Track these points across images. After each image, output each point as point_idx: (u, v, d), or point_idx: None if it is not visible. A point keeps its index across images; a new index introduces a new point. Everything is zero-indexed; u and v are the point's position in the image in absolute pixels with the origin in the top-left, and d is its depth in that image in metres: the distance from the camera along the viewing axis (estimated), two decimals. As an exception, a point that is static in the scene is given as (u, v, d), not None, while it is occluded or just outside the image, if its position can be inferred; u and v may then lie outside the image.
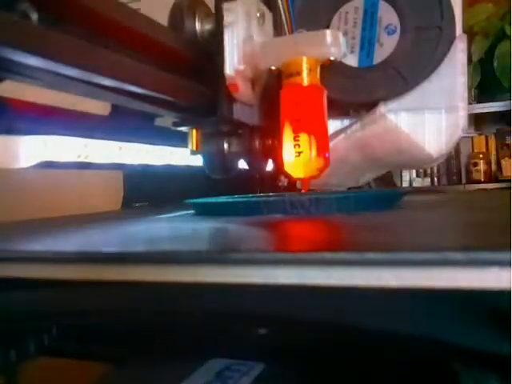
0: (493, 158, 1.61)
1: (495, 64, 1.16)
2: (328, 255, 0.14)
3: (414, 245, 0.16)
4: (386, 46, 0.35)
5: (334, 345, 0.17)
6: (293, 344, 0.17)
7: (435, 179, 1.62)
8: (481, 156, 1.59)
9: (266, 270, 0.15)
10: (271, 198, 0.31)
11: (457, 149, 1.57)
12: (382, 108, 0.36)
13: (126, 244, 0.21)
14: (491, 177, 1.60)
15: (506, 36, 1.13)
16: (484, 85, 1.29)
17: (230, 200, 0.33)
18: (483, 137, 1.62)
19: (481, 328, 0.14)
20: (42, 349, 0.20)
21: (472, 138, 1.61)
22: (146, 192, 0.74)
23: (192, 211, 0.37)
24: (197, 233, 0.25)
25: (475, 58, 1.15)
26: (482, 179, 1.56)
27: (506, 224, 0.20)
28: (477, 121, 1.60)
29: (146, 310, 0.18)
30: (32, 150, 0.34)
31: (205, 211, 0.35)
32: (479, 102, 1.44)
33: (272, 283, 0.15)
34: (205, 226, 0.28)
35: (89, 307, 0.18)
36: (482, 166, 1.59)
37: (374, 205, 0.32)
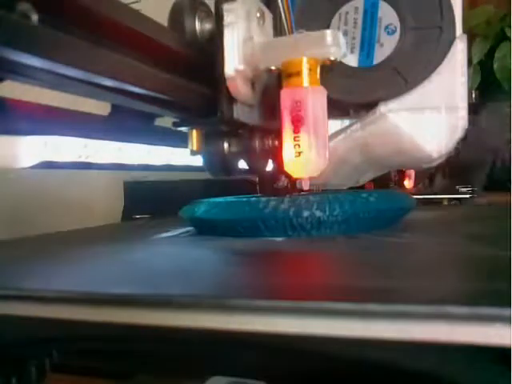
0: None
1: (495, 66, 1.16)
2: (328, 305, 0.14)
3: (414, 294, 0.16)
4: (386, 46, 0.35)
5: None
6: (294, 363, 0.17)
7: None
8: None
9: (266, 317, 0.15)
10: (271, 219, 0.31)
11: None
12: (382, 108, 0.36)
13: (123, 282, 0.21)
14: None
15: (506, 38, 1.13)
16: (484, 86, 1.29)
17: (230, 218, 0.32)
18: None
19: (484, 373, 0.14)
20: (44, 373, 0.20)
21: None
22: (147, 202, 0.73)
23: (192, 227, 0.37)
24: (196, 267, 0.24)
25: (475, 60, 1.15)
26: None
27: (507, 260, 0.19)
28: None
29: (147, 334, 0.18)
30: (32, 150, 0.34)
31: (205, 231, 0.35)
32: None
33: (272, 331, 0.15)
34: (203, 256, 0.28)
35: (90, 332, 0.18)
36: None
37: (376, 226, 0.32)
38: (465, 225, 0.39)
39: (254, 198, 0.33)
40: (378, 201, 0.32)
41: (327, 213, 0.30)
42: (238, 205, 0.33)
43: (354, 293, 0.16)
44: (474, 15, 1.05)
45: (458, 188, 0.82)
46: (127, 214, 0.73)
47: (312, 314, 0.15)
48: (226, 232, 0.33)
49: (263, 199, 0.32)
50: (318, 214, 0.30)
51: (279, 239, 0.31)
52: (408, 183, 1.05)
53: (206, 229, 0.35)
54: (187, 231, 0.37)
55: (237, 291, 0.18)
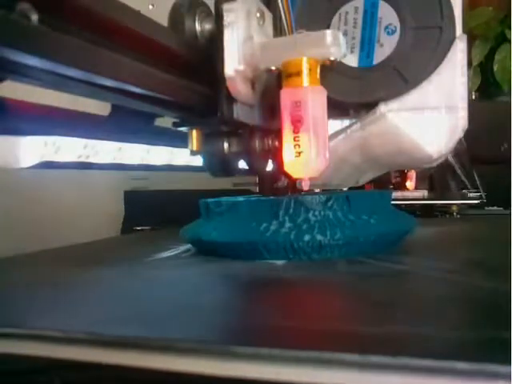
0: None
1: (495, 68, 1.16)
2: (329, 355, 0.14)
3: (415, 343, 0.15)
4: (386, 46, 0.35)
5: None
6: None
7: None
8: None
9: (264, 366, 0.15)
10: (272, 242, 0.31)
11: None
12: (382, 108, 0.36)
13: (122, 319, 0.20)
14: None
15: (506, 40, 1.13)
16: (484, 88, 1.29)
17: (231, 241, 0.32)
18: None
19: None
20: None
21: None
22: (148, 212, 0.72)
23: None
24: (197, 299, 0.23)
25: (475, 62, 1.15)
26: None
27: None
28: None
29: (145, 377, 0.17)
30: (32, 150, 0.34)
31: (205, 251, 0.35)
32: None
33: (272, 379, 0.15)
34: (204, 285, 0.27)
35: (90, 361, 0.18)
36: None
37: (377, 248, 0.32)
38: (467, 247, 0.38)
39: (254, 223, 0.32)
40: (378, 223, 0.32)
41: (328, 237, 0.30)
42: (239, 227, 0.32)
43: (355, 340, 0.16)
44: (474, 16, 1.05)
45: (466, 192, 0.79)
46: (127, 225, 0.72)
47: (312, 364, 0.15)
48: (226, 253, 0.32)
49: (264, 224, 0.31)
50: (319, 237, 0.30)
51: (280, 262, 0.31)
52: (410, 184, 1.04)
53: (206, 249, 0.34)
54: (188, 249, 0.37)
55: (238, 335, 0.18)
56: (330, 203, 0.32)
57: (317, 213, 0.32)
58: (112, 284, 0.29)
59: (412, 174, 1.05)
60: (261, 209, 0.33)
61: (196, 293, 0.25)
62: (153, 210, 0.72)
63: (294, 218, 0.31)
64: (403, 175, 1.07)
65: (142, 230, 0.69)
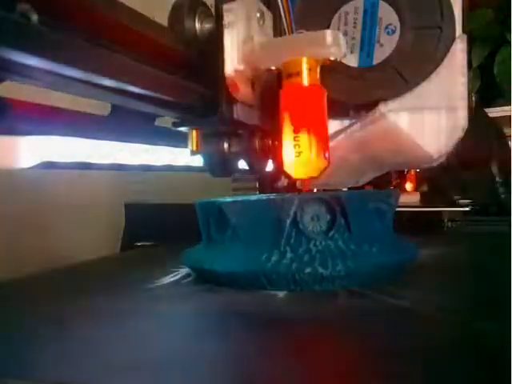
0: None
1: (495, 70, 1.16)
2: None
3: None
4: (386, 46, 0.35)
5: None
6: None
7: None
8: None
9: None
10: (273, 273, 0.31)
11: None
12: (382, 108, 0.36)
13: (118, 369, 0.19)
14: None
15: (506, 42, 1.13)
16: (484, 90, 1.29)
17: (232, 271, 0.32)
18: None
19: None
20: None
21: None
22: (149, 225, 0.71)
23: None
24: (197, 346, 0.23)
25: (475, 64, 1.15)
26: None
27: None
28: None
29: None
30: (32, 150, 0.34)
31: (206, 278, 0.34)
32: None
33: None
34: (204, 325, 0.27)
35: None
36: None
37: (379, 278, 0.31)
38: (469, 277, 0.36)
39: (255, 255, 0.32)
40: (380, 253, 0.32)
41: (329, 269, 0.30)
42: (240, 256, 0.32)
43: None
44: (474, 18, 1.05)
45: (456, 200, 0.76)
46: (128, 239, 0.70)
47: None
48: (227, 282, 0.32)
49: (265, 254, 0.31)
50: (321, 270, 0.30)
51: (281, 294, 0.30)
52: (409, 186, 1.04)
53: (207, 277, 0.34)
54: (188, 274, 0.37)
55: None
56: (331, 233, 0.32)
57: (318, 242, 0.32)
58: (109, 325, 0.27)
59: (412, 176, 1.05)
60: (262, 237, 0.32)
61: (193, 338, 0.24)
62: (154, 224, 0.71)
63: (295, 247, 0.31)
64: (403, 177, 1.07)
65: (142, 245, 0.67)
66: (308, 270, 0.30)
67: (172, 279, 0.36)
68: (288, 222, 0.31)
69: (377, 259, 0.32)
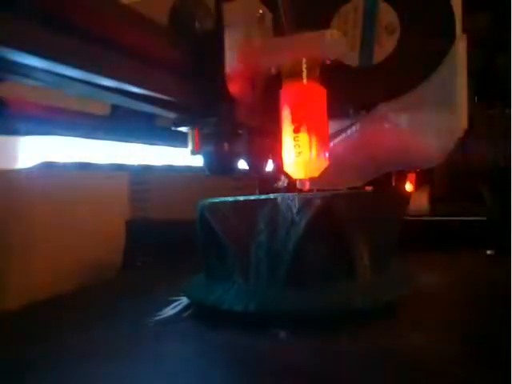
0: None
1: (495, 72, 1.16)
2: None
3: None
4: (386, 46, 0.35)
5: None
6: None
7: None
8: None
9: None
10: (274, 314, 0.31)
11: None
12: (382, 108, 0.36)
13: None
14: None
15: (506, 44, 1.13)
16: (484, 92, 1.29)
17: (233, 310, 0.32)
18: None
19: None
20: None
21: None
22: (151, 242, 0.70)
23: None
24: None
25: (475, 68, 1.15)
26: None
27: None
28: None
29: None
30: (32, 150, 0.34)
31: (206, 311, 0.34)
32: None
33: None
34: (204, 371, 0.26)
35: None
36: None
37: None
38: (469, 314, 0.34)
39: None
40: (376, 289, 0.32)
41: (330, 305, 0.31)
42: (242, 294, 0.32)
43: None
44: (474, 22, 1.05)
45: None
46: (130, 256, 0.69)
47: None
48: (228, 319, 0.32)
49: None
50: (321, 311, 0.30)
51: (282, 333, 0.30)
52: (409, 187, 1.04)
53: (208, 311, 0.34)
54: (189, 305, 0.36)
55: None
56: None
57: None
58: (105, 372, 0.26)
59: (412, 177, 1.05)
60: (263, 273, 0.32)
61: None
62: (155, 240, 0.71)
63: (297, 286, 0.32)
64: (403, 177, 1.06)
65: (144, 263, 0.66)
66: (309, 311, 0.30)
67: (173, 311, 0.36)
68: (288, 257, 0.31)
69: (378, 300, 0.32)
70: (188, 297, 0.37)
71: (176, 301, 0.38)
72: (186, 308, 0.36)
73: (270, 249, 0.32)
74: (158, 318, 0.35)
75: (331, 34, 0.29)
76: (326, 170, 0.31)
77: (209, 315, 0.33)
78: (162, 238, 0.68)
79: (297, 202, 0.32)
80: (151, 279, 0.52)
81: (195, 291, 0.36)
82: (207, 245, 0.36)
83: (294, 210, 0.32)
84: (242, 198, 0.35)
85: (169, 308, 0.36)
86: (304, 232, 0.32)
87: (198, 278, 0.38)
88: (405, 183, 1.02)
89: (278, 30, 0.33)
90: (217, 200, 0.35)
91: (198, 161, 0.35)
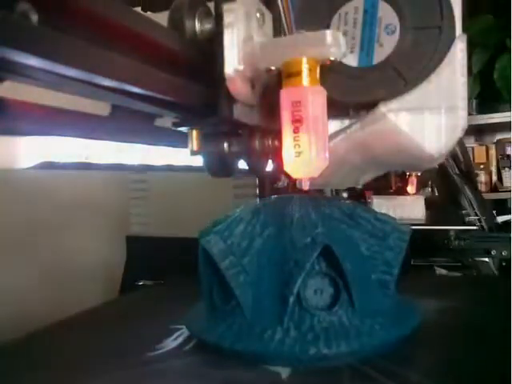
0: (493, 169, 1.61)
1: (495, 76, 1.16)
2: None
3: None
4: (386, 45, 0.35)
5: None
6: None
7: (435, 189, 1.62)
8: (481, 167, 1.59)
9: None
10: (276, 354, 0.30)
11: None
12: (382, 108, 0.36)
13: None
14: (492, 187, 1.59)
15: (506, 48, 1.13)
16: (484, 96, 1.29)
17: (235, 348, 0.31)
18: (484, 147, 1.61)
19: None
20: None
21: (473, 148, 1.60)
22: (151, 259, 0.69)
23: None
24: None
25: (475, 70, 1.15)
26: (483, 190, 1.56)
27: None
28: (477, 131, 1.59)
29: None
30: (32, 150, 0.34)
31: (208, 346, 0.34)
32: (479, 112, 1.44)
33: None
34: None
35: None
36: (482, 176, 1.59)
37: (382, 351, 0.31)
38: (474, 345, 0.34)
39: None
40: (383, 328, 0.32)
41: (333, 349, 0.30)
42: (243, 333, 0.32)
43: None
44: (474, 24, 1.05)
45: (463, 215, 0.74)
46: (129, 274, 0.68)
47: None
48: (229, 355, 0.32)
49: (269, 331, 0.31)
50: (325, 351, 0.30)
51: (284, 372, 0.30)
52: (411, 189, 1.04)
53: (209, 347, 0.34)
54: (190, 337, 0.36)
55: None
56: (334, 309, 0.32)
57: (322, 318, 0.32)
58: None
59: (413, 179, 1.05)
60: (266, 311, 0.32)
61: None
62: (155, 258, 0.70)
63: (299, 324, 0.31)
64: (404, 180, 1.07)
65: (143, 284, 0.65)
66: (312, 350, 0.30)
67: (174, 344, 0.35)
68: (291, 299, 0.31)
69: (379, 337, 0.32)
70: (189, 331, 0.36)
71: (177, 330, 0.37)
72: (187, 340, 0.36)
73: (273, 286, 0.32)
74: (159, 351, 0.34)
75: (331, 34, 0.29)
76: (326, 170, 0.31)
77: (211, 349, 0.33)
78: (162, 255, 0.66)
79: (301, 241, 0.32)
80: (151, 302, 0.50)
81: (197, 325, 0.36)
82: (209, 276, 0.36)
83: (298, 250, 0.32)
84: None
85: (170, 339, 0.36)
86: (307, 273, 0.31)
87: (200, 308, 0.37)
88: (406, 186, 1.02)
89: (278, 30, 0.33)
90: (219, 229, 0.35)
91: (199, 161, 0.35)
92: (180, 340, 0.36)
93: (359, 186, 1.04)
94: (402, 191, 1.05)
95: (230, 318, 0.33)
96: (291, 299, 0.31)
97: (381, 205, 1.01)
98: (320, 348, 0.30)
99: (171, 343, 0.35)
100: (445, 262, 0.89)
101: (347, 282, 0.32)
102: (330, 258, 0.32)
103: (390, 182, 1.03)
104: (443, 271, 0.83)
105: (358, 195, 1.08)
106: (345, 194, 1.07)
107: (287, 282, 0.31)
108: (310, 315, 0.31)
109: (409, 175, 1.04)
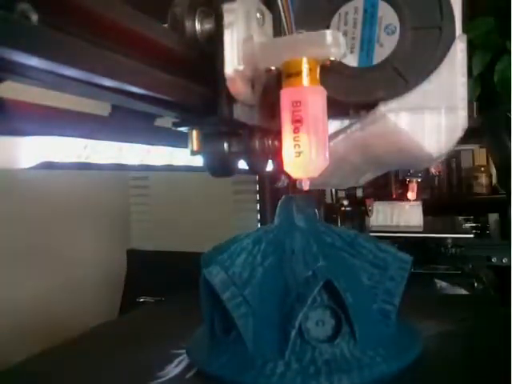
0: (494, 172, 1.61)
1: (496, 78, 1.16)
2: None
3: None
4: (386, 46, 0.35)
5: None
6: None
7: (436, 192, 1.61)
8: (482, 169, 1.60)
9: None
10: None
11: (457, 162, 1.57)
12: (382, 108, 0.36)
13: None
14: (492, 190, 1.59)
15: (506, 50, 1.13)
16: (484, 98, 1.29)
17: (236, 380, 0.31)
18: (484, 150, 1.61)
19: None
20: None
21: (473, 150, 1.60)
22: (152, 273, 0.69)
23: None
24: None
25: (476, 72, 1.15)
26: (484, 192, 1.56)
27: None
28: (477, 134, 1.59)
29: None
30: (32, 150, 0.34)
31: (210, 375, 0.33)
32: (480, 115, 1.43)
33: None
34: None
35: None
36: (483, 179, 1.59)
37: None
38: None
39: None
40: (384, 360, 0.32)
41: (335, 383, 0.30)
42: (244, 365, 0.32)
43: None
44: (474, 26, 1.05)
45: (460, 221, 0.75)
46: (130, 288, 0.67)
47: None
48: None
49: (270, 364, 0.31)
50: None
51: None
52: (411, 195, 1.04)
53: (210, 377, 0.34)
54: (191, 365, 0.36)
55: None
56: (336, 341, 0.32)
57: (323, 351, 0.31)
58: None
59: (413, 186, 1.05)
60: (267, 343, 0.32)
61: None
62: (156, 272, 0.69)
63: (301, 357, 0.31)
64: (404, 186, 1.07)
65: (144, 301, 0.64)
66: None
67: (175, 371, 0.35)
68: (293, 332, 0.31)
69: (381, 370, 0.32)
70: (191, 359, 0.36)
71: (178, 355, 0.37)
72: (188, 367, 0.36)
73: (275, 318, 0.32)
74: (160, 380, 0.34)
75: (331, 34, 0.29)
76: (326, 170, 0.31)
77: (212, 379, 0.33)
78: (163, 269, 0.65)
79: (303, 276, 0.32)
80: (152, 323, 0.49)
81: (198, 354, 0.36)
82: (210, 305, 0.36)
83: (300, 283, 0.32)
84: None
85: (171, 366, 0.36)
86: (309, 307, 0.31)
87: (200, 333, 0.37)
88: (406, 192, 1.02)
89: (278, 30, 0.33)
90: (221, 259, 0.34)
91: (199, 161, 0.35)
92: (181, 367, 0.36)
93: (360, 195, 1.04)
94: (402, 198, 1.05)
95: (231, 348, 0.33)
96: (293, 333, 0.31)
97: (380, 210, 1.01)
98: (321, 382, 0.30)
99: (173, 370, 0.35)
100: (445, 270, 0.89)
101: (348, 314, 0.32)
102: (332, 290, 0.32)
103: (390, 190, 1.03)
104: (443, 284, 0.83)
105: (359, 202, 1.08)
106: (345, 202, 1.07)
107: (289, 314, 0.31)
108: (312, 347, 0.31)
109: (409, 181, 1.04)
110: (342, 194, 1.15)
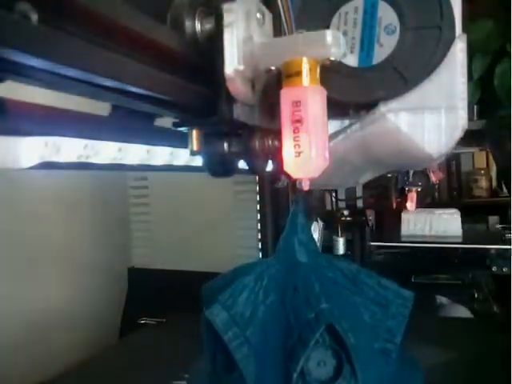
0: (493, 175, 1.61)
1: (496, 82, 1.16)
2: None
3: None
4: (386, 46, 0.35)
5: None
6: None
7: (436, 195, 1.61)
8: (482, 172, 1.60)
9: None
10: None
11: (457, 165, 1.57)
12: (381, 108, 0.36)
13: None
14: (492, 193, 1.59)
15: (506, 54, 1.13)
16: (484, 102, 1.29)
17: None
18: (484, 153, 1.61)
19: None
20: None
21: (473, 154, 1.60)
22: (153, 293, 0.68)
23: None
24: None
25: (476, 76, 1.15)
26: (484, 195, 1.56)
27: None
28: (477, 137, 1.59)
29: None
30: (32, 150, 0.34)
31: None
32: (480, 118, 1.44)
33: None
34: None
35: None
36: (483, 182, 1.59)
37: None
38: None
39: None
40: None
41: None
42: None
43: None
44: (474, 30, 1.05)
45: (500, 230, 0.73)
46: (130, 308, 0.66)
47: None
48: None
49: None
50: None
51: None
52: (410, 205, 1.02)
53: None
54: None
55: None
56: (338, 381, 0.32)
57: None
58: None
59: (413, 195, 1.03)
60: None
61: None
62: (158, 291, 0.68)
63: None
64: (403, 196, 1.05)
65: (145, 323, 0.63)
66: None
67: None
68: (295, 375, 0.31)
69: None
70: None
71: (181, 379, 0.37)
72: None
73: (277, 358, 0.32)
74: None
75: (331, 34, 0.29)
76: (326, 170, 0.31)
77: None
78: (164, 289, 0.64)
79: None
80: (152, 347, 0.49)
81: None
82: (212, 344, 0.35)
83: (302, 324, 0.32)
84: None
85: None
86: (311, 348, 0.31)
87: (202, 368, 0.37)
88: (405, 202, 1.00)
89: (278, 30, 0.33)
90: (223, 297, 0.34)
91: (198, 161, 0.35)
92: None
93: (360, 205, 1.04)
94: (401, 207, 1.03)
95: None
96: (295, 376, 0.31)
97: (411, 219, 0.98)
98: None
99: None
100: (445, 280, 0.89)
101: (350, 354, 0.32)
102: (334, 332, 0.32)
103: (390, 201, 1.02)
104: (443, 299, 0.83)
105: (359, 212, 1.08)
106: (346, 212, 1.07)
107: (291, 355, 0.31)
108: None
109: (408, 190, 1.02)
110: (342, 204, 1.14)
